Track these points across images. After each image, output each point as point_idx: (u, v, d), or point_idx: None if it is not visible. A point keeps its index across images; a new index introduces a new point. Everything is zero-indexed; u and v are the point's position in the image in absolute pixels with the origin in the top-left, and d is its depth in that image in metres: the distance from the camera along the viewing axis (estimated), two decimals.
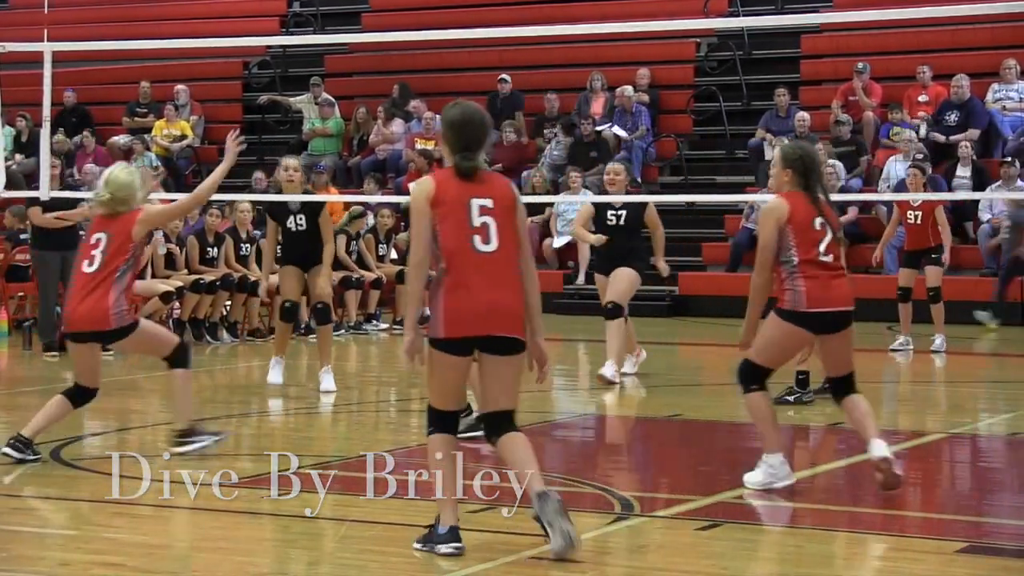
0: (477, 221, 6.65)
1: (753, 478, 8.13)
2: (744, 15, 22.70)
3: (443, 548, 6.57)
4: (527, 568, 6.45)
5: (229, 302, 16.99)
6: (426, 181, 6.74)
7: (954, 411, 11.81)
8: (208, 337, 16.65)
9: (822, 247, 8.08)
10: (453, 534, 6.62)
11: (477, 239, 6.63)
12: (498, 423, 6.71)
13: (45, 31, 15.40)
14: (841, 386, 8.22)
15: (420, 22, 23.72)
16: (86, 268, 8.94)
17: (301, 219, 12.64)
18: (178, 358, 9.20)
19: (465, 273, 6.58)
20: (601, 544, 6.95)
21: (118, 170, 9.17)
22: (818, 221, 8.09)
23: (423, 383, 12.68)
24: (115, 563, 6.50)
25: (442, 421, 6.72)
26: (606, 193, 13.07)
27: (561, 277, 20.95)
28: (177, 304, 16.44)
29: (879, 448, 8.00)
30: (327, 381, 12.49)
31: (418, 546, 6.65)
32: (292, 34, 26.33)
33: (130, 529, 7.23)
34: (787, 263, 8.08)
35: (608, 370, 12.63)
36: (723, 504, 7.82)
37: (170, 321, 16.46)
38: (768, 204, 8.18)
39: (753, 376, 8.27)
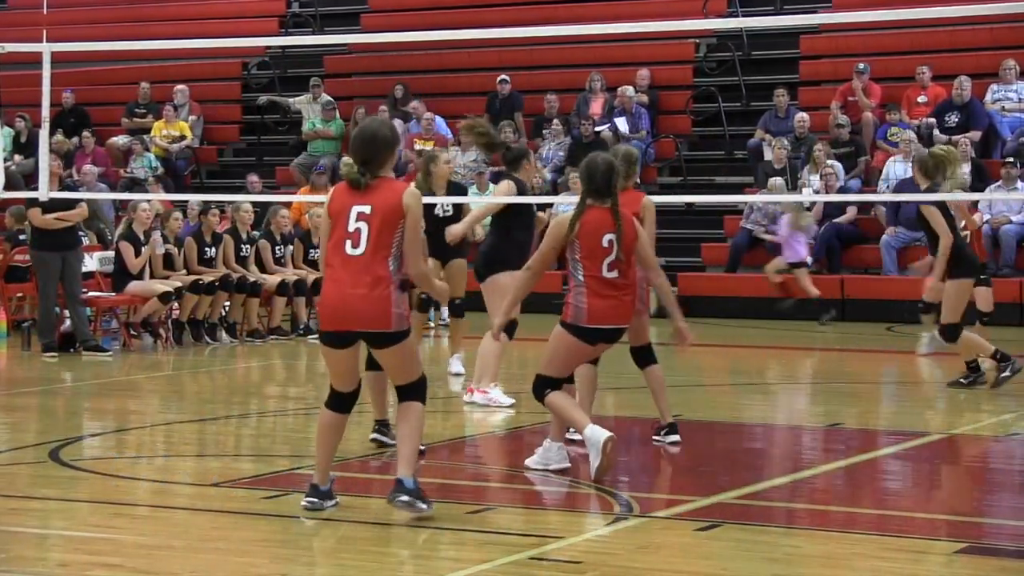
0: (352, 227, 7.31)
1: (592, 453, 8.23)
2: (743, 16, 22.69)
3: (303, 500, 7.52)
4: (527, 568, 6.44)
5: (228, 303, 16.98)
6: (331, 191, 7.54)
7: (954, 411, 11.80)
8: (207, 338, 16.64)
9: (605, 265, 8.31)
10: (312, 490, 7.50)
11: (348, 243, 7.32)
12: (400, 394, 7.52)
13: (44, 32, 15.37)
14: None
15: (419, 23, 23.72)
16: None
17: (448, 206, 12.33)
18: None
19: (333, 273, 7.37)
20: (601, 545, 6.95)
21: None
22: (607, 238, 8.31)
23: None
24: (114, 564, 6.49)
25: (333, 399, 7.55)
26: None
27: (560, 278, 20.93)
28: (176, 305, 16.43)
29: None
30: (456, 365, 13.04)
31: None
32: (291, 34, 26.33)
33: (129, 530, 7.22)
34: (574, 276, 8.39)
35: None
36: (722, 505, 7.81)
37: (169, 321, 16.45)
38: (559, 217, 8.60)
39: (544, 386, 8.44)
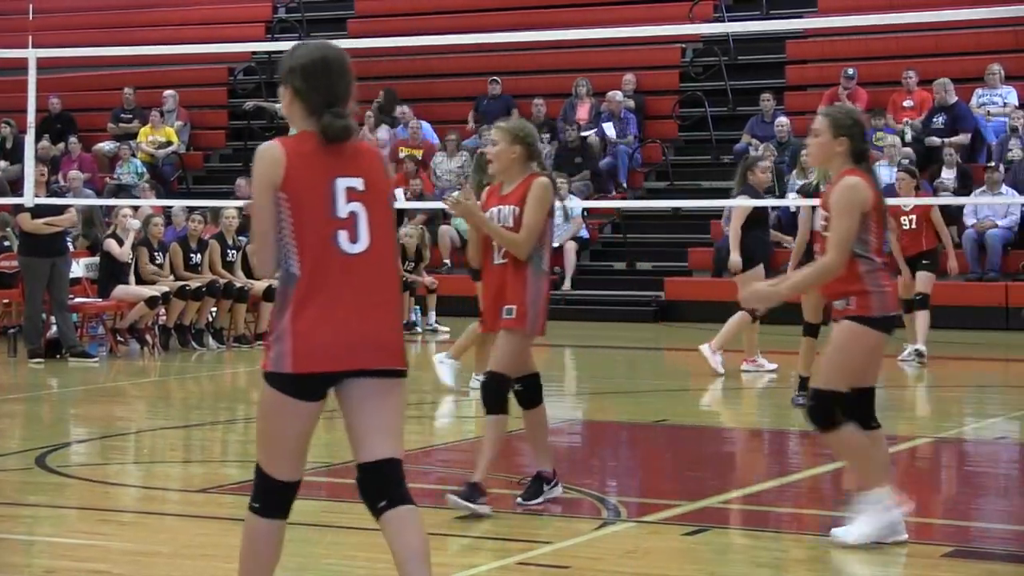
0: (344, 210, 4.76)
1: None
2: (729, 20, 22.72)
3: None
4: (515, 574, 6.43)
5: (215, 308, 16.96)
6: (273, 147, 4.77)
7: (940, 415, 11.82)
8: (194, 343, 16.61)
9: None
10: None
11: (343, 235, 4.76)
12: (382, 480, 4.88)
13: (30, 37, 15.37)
14: None
15: (405, 28, 23.73)
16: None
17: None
18: None
19: (327, 283, 4.74)
20: (588, 550, 6.95)
21: None
22: None
23: (416, 388, 12.71)
24: (101, 570, 6.48)
25: (273, 495, 4.83)
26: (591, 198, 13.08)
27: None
28: (163, 310, 16.40)
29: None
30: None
31: None
32: (277, 40, 26.29)
33: (116, 536, 7.21)
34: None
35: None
36: (710, 509, 7.81)
37: (156, 327, 16.42)
38: None
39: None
